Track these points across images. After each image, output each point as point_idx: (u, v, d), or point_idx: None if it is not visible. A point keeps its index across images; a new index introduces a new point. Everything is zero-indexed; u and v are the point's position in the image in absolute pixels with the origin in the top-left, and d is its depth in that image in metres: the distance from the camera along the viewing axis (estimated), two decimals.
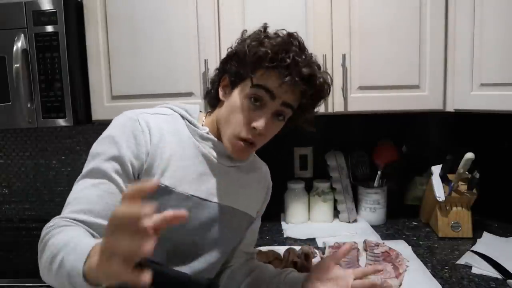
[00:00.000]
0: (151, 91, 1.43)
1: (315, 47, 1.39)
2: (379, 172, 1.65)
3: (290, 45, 0.81)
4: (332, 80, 0.89)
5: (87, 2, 1.42)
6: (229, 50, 0.88)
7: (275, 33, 0.84)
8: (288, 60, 0.79)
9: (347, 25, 1.40)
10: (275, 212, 1.72)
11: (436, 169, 1.48)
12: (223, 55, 0.90)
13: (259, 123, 0.81)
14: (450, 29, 1.39)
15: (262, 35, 0.84)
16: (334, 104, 1.42)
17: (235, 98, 0.84)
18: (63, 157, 1.82)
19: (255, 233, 1.07)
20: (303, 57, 0.82)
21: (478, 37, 1.31)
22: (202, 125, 0.90)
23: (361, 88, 1.42)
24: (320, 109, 1.39)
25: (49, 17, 1.37)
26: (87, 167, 0.81)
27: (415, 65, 1.41)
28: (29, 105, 1.39)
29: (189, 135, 0.87)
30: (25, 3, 1.37)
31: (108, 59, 1.43)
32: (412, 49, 1.40)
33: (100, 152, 0.80)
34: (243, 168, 0.95)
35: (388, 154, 1.64)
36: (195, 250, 0.87)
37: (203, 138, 0.87)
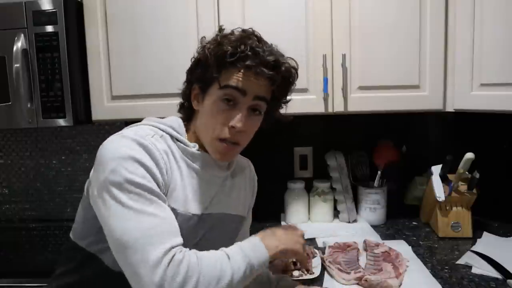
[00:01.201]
0: (151, 91, 1.43)
1: (315, 47, 1.40)
2: (379, 172, 1.64)
3: (247, 38, 0.83)
4: (297, 64, 0.89)
5: (87, 2, 1.42)
6: (192, 59, 0.89)
7: (231, 32, 0.85)
8: (247, 51, 0.80)
9: (347, 25, 1.40)
10: (275, 212, 1.72)
11: (436, 169, 1.48)
12: None
13: (236, 121, 0.82)
14: (450, 29, 1.39)
15: (218, 36, 0.85)
16: (334, 104, 1.42)
17: (208, 103, 0.85)
18: (63, 157, 1.82)
19: (248, 228, 1.09)
20: (263, 46, 0.83)
21: (478, 37, 1.31)
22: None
23: (361, 88, 1.42)
24: (320, 109, 1.42)
25: (49, 17, 1.37)
26: (124, 196, 0.73)
27: (415, 65, 1.40)
28: (29, 105, 1.39)
29: (181, 153, 0.87)
30: (25, 3, 1.37)
31: (108, 59, 1.44)
32: (412, 49, 1.40)
33: (134, 177, 0.74)
34: (232, 173, 0.96)
35: (388, 154, 1.64)
36: None
37: (195, 156, 0.87)
